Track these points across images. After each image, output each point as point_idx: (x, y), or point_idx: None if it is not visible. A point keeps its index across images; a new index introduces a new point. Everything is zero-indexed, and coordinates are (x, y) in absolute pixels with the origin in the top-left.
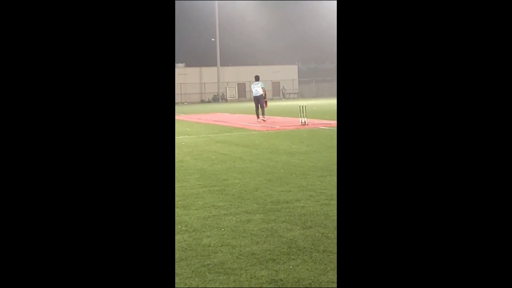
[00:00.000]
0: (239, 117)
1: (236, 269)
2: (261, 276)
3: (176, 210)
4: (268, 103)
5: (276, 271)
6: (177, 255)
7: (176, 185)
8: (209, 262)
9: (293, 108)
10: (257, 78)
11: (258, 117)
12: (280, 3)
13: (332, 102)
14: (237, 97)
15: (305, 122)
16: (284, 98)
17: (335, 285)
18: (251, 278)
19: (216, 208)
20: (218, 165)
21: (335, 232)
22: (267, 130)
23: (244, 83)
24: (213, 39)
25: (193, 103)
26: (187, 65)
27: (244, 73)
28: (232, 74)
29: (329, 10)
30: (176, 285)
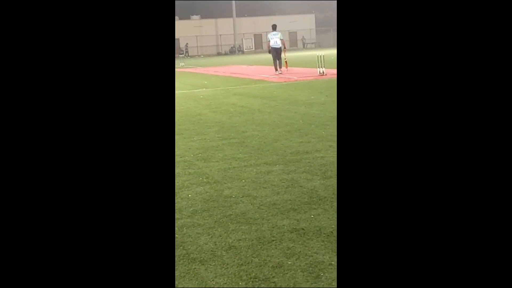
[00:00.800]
0: (256, 69)
1: (258, 219)
2: (283, 225)
3: (197, 162)
4: (286, 54)
5: (297, 221)
6: (199, 206)
7: (195, 138)
8: (231, 213)
9: (311, 58)
10: (274, 27)
11: (276, 69)
12: None
13: None
14: (253, 49)
15: (323, 72)
16: (304, 48)
17: None
18: (273, 227)
19: (236, 160)
20: (236, 117)
21: None
22: (285, 82)
23: (261, 34)
24: None
25: (209, 55)
26: (203, 17)
27: (260, 23)
28: (248, 25)
29: None
30: (198, 235)
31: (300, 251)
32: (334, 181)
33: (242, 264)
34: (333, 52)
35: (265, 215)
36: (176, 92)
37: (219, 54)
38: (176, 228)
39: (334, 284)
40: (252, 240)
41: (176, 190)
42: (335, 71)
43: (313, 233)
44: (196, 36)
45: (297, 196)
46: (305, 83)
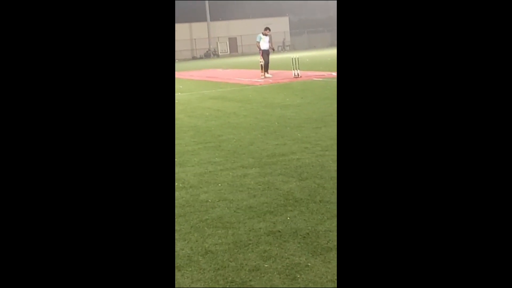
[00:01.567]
0: (231, 72)
1: (234, 222)
2: (259, 228)
3: None
4: (259, 57)
5: (273, 223)
6: (175, 212)
7: None
8: (207, 217)
9: (286, 61)
10: (267, 29)
11: (262, 72)
12: None
13: (325, 53)
14: (228, 52)
15: (298, 75)
16: (284, 50)
17: (332, 234)
18: (250, 230)
19: (212, 164)
20: (212, 121)
21: (331, 182)
22: (260, 84)
23: (235, 38)
24: None
25: (184, 59)
26: (177, 22)
27: (234, 27)
28: (223, 29)
29: None
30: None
31: (277, 254)
32: (310, 182)
33: (218, 268)
34: (307, 54)
35: (241, 219)
36: None
37: (194, 58)
38: None
39: (311, 285)
40: (229, 244)
41: None
42: (310, 73)
43: (289, 235)
44: None
45: (273, 198)
46: (280, 86)
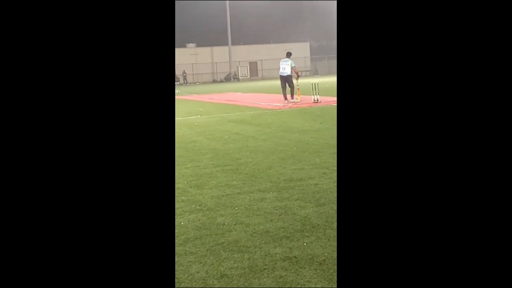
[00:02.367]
0: (251, 96)
1: (250, 247)
2: (275, 253)
3: (190, 189)
4: (278, 82)
5: (290, 248)
6: (191, 234)
7: (189, 165)
8: (223, 241)
9: (306, 86)
10: (288, 55)
11: (285, 98)
12: None
13: None
14: (249, 76)
15: (317, 100)
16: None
17: None
18: (265, 255)
19: (229, 187)
20: (230, 144)
21: None
22: (279, 109)
23: (256, 62)
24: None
25: (205, 83)
26: (198, 45)
27: (255, 51)
28: (244, 53)
29: None
30: (187, 268)
31: (293, 280)
32: (327, 208)
33: None
34: (327, 79)
35: (257, 243)
36: None
37: (214, 81)
38: None
39: None
40: (244, 268)
41: None
42: (329, 98)
43: (306, 261)
44: (192, 63)
45: (290, 223)
46: (299, 110)
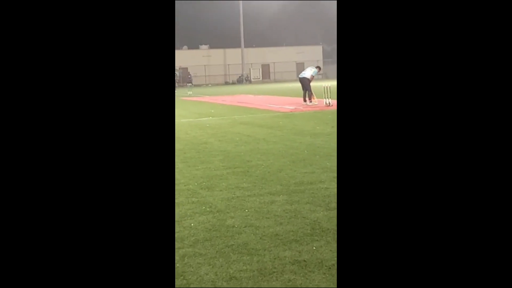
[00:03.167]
0: (263, 99)
1: (260, 249)
2: (284, 257)
3: (201, 191)
4: (290, 84)
5: (299, 252)
6: (201, 236)
7: (200, 167)
8: (233, 243)
9: (318, 89)
10: (318, 68)
11: (304, 100)
12: None
13: None
14: (261, 79)
15: (329, 103)
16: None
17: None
18: (275, 258)
19: (240, 190)
20: (242, 146)
21: None
22: (291, 112)
23: (268, 64)
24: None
25: (217, 84)
26: (211, 47)
27: (268, 54)
28: (256, 56)
29: None
30: (198, 266)
31: (301, 283)
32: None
33: None
34: None
35: (267, 246)
36: (183, 120)
37: (226, 83)
38: (177, 258)
39: None
40: (253, 271)
41: (179, 219)
42: None
43: (315, 265)
44: (205, 65)
45: (300, 227)
46: (311, 114)
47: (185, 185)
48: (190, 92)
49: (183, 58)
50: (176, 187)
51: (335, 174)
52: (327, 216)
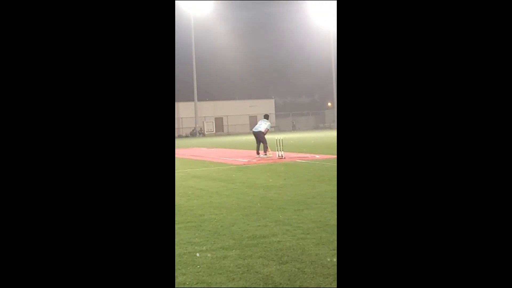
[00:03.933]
0: (216, 152)
1: None
2: None
3: None
4: (244, 137)
5: None
6: None
7: None
8: None
9: (271, 142)
10: (265, 117)
11: (258, 153)
12: (256, 36)
13: (308, 135)
14: (214, 132)
15: (282, 156)
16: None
17: None
18: None
19: (191, 245)
20: (194, 200)
21: (311, 267)
22: (244, 164)
23: (222, 117)
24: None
25: None
26: None
27: (221, 107)
28: (209, 109)
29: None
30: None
31: None
32: (290, 266)
33: None
34: (291, 136)
35: None
36: None
37: (180, 136)
38: None
39: None
40: None
41: None
42: (293, 154)
43: None
44: None
45: (252, 282)
46: (264, 166)
47: None
48: None
49: None
50: None
51: (288, 227)
52: (279, 270)
